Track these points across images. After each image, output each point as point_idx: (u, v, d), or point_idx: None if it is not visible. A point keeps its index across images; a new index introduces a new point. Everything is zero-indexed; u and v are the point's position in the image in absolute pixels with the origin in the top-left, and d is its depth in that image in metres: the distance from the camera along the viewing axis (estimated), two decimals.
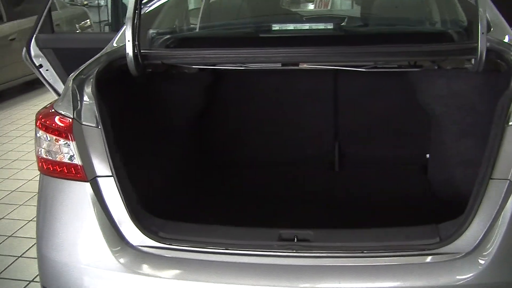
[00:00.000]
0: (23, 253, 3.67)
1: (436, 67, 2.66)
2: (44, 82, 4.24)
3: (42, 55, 4.12)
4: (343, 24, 3.02)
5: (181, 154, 3.03)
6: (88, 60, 2.61)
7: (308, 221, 2.53)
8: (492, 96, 2.18)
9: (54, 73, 4.17)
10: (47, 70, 4.17)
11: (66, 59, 4.05)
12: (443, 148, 2.86)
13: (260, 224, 2.20)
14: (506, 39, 2.49)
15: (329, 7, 5.49)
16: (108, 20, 9.58)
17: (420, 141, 3.16)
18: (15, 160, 5.59)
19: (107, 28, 8.97)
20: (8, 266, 3.55)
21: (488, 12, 2.67)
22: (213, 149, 3.44)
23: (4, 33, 8.04)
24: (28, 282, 3.33)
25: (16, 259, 3.63)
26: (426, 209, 2.73)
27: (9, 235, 3.97)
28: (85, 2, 12.16)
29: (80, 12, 10.27)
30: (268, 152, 3.43)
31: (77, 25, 9.81)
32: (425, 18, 3.29)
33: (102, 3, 11.75)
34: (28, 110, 7.42)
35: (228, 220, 2.31)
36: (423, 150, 3.15)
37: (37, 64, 4.15)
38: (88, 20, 10.10)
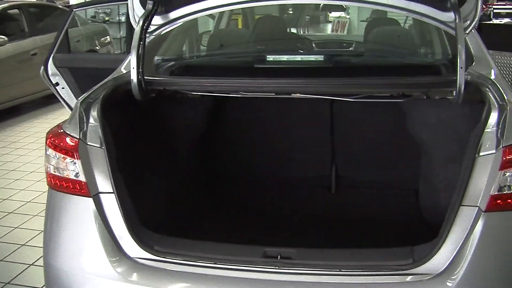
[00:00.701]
0: (34, 262, 3.82)
1: (424, 97, 2.80)
2: (60, 99, 4.42)
3: (58, 73, 4.31)
4: (334, 55, 3.18)
5: (182, 173, 3.18)
6: (102, 80, 2.77)
7: (298, 240, 2.66)
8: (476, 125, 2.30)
9: (70, 91, 4.36)
10: (63, 88, 4.35)
11: (81, 78, 4.23)
12: (431, 174, 2.97)
13: (251, 241, 2.33)
14: (492, 74, 2.61)
15: (345, 31, 5.66)
16: None
17: (413, 167, 3.25)
18: (32, 172, 5.76)
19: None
20: (20, 273, 3.70)
21: (473, 46, 2.81)
22: (213, 169, 3.59)
23: (26, 48, 8.29)
24: None
25: (28, 267, 3.78)
26: (413, 232, 2.84)
27: (22, 243, 4.13)
28: (106, 18, 12.36)
29: (101, 28, 10.45)
30: (267, 174, 3.57)
31: (96, 41, 10.04)
32: (418, 51, 3.43)
33: (123, 19, 11.90)
34: (46, 123, 7.60)
35: (222, 236, 2.46)
36: (416, 175, 3.24)
37: (54, 82, 4.34)
38: (108, 37, 10.30)
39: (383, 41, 3.45)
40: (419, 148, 3.09)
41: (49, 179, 2.40)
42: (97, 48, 10.05)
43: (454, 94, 2.42)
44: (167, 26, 2.82)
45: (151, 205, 2.61)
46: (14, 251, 4.04)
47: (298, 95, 2.73)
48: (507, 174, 2.04)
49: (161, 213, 2.78)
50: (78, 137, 2.33)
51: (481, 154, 2.10)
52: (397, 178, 3.43)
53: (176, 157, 3.15)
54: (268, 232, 2.87)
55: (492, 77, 2.55)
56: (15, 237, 4.26)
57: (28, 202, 4.96)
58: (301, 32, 6.25)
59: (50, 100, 8.45)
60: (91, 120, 2.40)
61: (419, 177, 3.21)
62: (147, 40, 2.77)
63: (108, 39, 10.26)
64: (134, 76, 2.56)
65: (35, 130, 7.44)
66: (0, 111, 7.94)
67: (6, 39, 7.75)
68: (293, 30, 5.50)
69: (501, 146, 2.06)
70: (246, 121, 3.54)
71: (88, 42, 9.82)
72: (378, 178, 3.48)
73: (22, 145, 6.80)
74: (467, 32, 2.56)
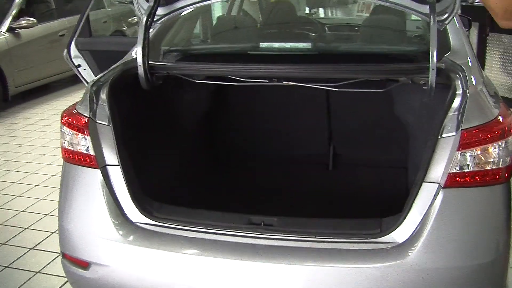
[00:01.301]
0: (56, 230, 3.95)
1: (410, 82, 2.98)
2: (82, 80, 4.70)
3: (80, 56, 4.58)
4: (321, 44, 3.38)
5: (185, 150, 3.42)
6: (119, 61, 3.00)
7: (291, 211, 2.82)
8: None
9: (91, 72, 4.63)
10: (84, 69, 4.62)
11: (101, 60, 4.49)
12: (415, 154, 3.16)
13: (246, 211, 2.54)
14: (468, 62, 2.73)
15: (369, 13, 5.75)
16: None
17: (403, 146, 3.45)
18: (57, 147, 5.96)
19: None
20: (42, 240, 4.02)
21: (453, 36, 2.98)
22: (216, 148, 3.83)
23: (54, 29, 8.57)
24: (58, 254, 3.70)
25: (51, 234, 4.10)
26: (398, 206, 3.07)
27: (46, 213, 4.44)
28: None
29: (127, 9, 10.65)
30: (267, 154, 3.79)
31: (123, 22, 10.27)
32: (407, 39, 3.60)
33: None
34: (72, 102, 7.59)
35: (219, 207, 2.66)
36: (406, 154, 3.43)
37: (76, 64, 4.61)
38: (135, 17, 10.49)
39: (379, 28, 3.62)
40: (406, 130, 3.30)
41: (63, 153, 2.67)
42: (124, 28, 10.28)
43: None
44: (172, 15, 3.04)
45: (154, 178, 2.85)
46: (38, 220, 4.34)
47: (289, 82, 2.88)
48: (466, 154, 2.24)
49: (163, 184, 3.01)
50: (88, 116, 2.59)
51: (443, 135, 2.28)
52: (389, 156, 3.64)
53: (180, 136, 3.38)
54: (263, 203, 3.09)
55: (468, 65, 2.70)
56: (39, 208, 4.56)
57: (53, 176, 5.25)
58: (329, 14, 6.31)
59: (76, 79, 8.51)
60: (101, 101, 2.65)
61: (407, 156, 3.41)
62: (156, 28, 2.99)
63: (135, 19, 10.45)
64: (140, 63, 2.78)
65: (62, 108, 7.41)
66: (30, 89, 8.26)
67: (35, 21, 7.99)
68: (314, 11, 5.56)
69: (460, 129, 2.24)
70: (248, 104, 3.75)
71: (115, 23, 10.05)
72: (372, 156, 3.71)
73: (49, 122, 7.11)
74: (446, 23, 2.73)
